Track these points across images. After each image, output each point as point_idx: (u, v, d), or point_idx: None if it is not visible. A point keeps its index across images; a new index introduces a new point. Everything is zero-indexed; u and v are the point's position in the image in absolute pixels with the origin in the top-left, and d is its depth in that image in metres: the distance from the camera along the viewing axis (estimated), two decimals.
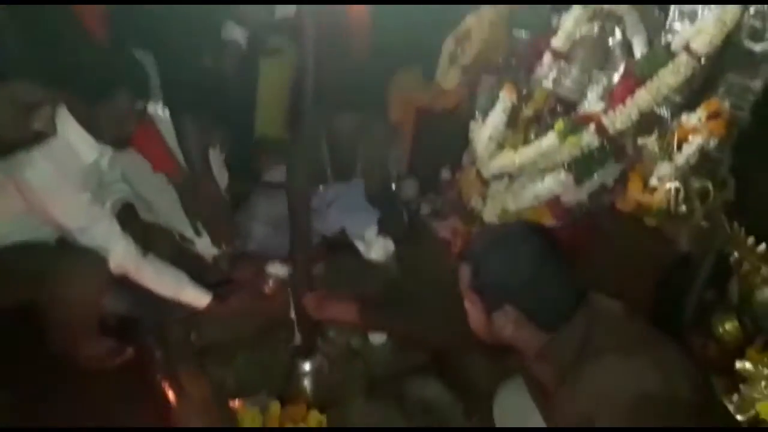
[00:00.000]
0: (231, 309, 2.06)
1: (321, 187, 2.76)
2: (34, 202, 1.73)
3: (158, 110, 2.17)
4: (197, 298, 1.96)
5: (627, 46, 1.90)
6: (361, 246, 2.34)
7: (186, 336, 2.07)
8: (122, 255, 1.84)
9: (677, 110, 1.69)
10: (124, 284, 1.97)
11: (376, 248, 2.30)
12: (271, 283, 2.14)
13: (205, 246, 2.29)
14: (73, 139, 1.73)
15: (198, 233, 2.26)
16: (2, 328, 1.85)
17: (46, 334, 1.91)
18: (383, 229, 2.39)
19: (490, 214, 2.13)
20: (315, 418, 1.80)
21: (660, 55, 1.70)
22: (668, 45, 1.71)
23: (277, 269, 2.24)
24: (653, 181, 1.65)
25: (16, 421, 1.68)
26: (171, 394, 1.78)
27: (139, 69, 1.78)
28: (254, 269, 2.17)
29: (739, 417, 1.45)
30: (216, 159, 2.32)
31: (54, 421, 1.69)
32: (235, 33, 2.39)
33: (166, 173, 2.15)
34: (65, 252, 1.85)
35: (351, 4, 2.96)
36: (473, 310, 1.22)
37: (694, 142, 1.59)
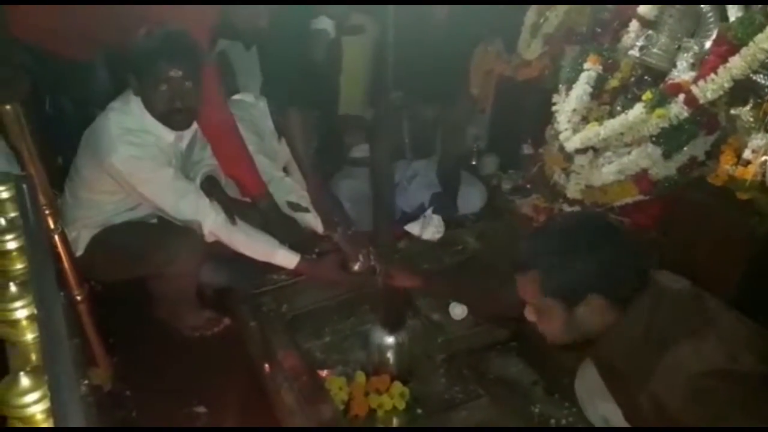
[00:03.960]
0: (318, 274, 2.15)
1: (402, 162, 2.78)
2: (124, 184, 1.87)
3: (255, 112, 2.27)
4: (288, 259, 2.04)
5: (721, 10, 1.79)
6: (414, 228, 2.37)
7: (278, 307, 2.18)
8: (212, 224, 1.94)
9: None
10: (220, 257, 2.10)
11: (430, 228, 2.34)
12: (362, 258, 2.18)
13: (315, 218, 2.33)
14: (149, 126, 1.86)
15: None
16: (117, 301, 2.04)
17: (154, 306, 2.09)
18: (436, 209, 2.43)
19: (573, 189, 2.09)
20: (398, 389, 1.87)
21: (757, 19, 1.59)
22: (766, 8, 1.60)
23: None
24: (747, 154, 1.56)
25: (123, 386, 1.84)
26: (263, 363, 1.89)
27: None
28: (357, 245, 2.19)
29: None
30: None
31: (156, 387, 1.84)
32: (324, 22, 2.46)
33: (253, 196, 2.15)
34: (164, 230, 1.99)
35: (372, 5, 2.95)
36: (549, 317, 1.24)
37: None
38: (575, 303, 1.19)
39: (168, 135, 1.92)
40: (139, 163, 1.84)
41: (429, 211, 2.44)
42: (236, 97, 2.42)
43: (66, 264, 1.62)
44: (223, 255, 2.06)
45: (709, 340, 1.08)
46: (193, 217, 1.93)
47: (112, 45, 2.02)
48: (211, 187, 2.08)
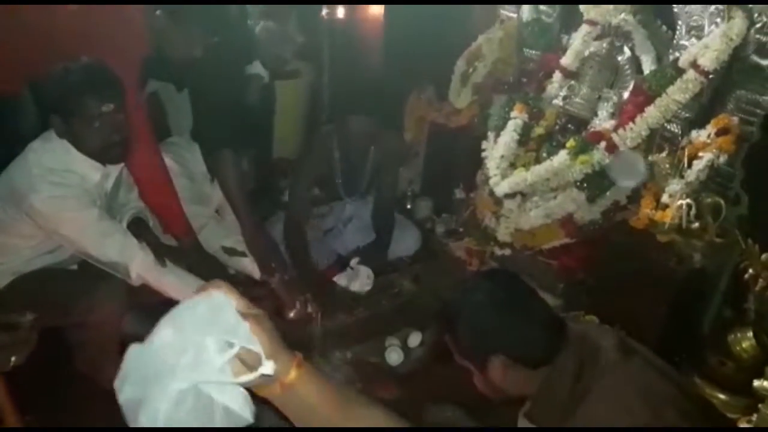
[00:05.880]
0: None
1: (334, 204, 2.77)
2: (45, 225, 1.78)
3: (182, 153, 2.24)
4: None
5: (636, 64, 1.91)
6: (342, 280, 2.36)
7: None
8: (140, 266, 1.85)
9: (687, 127, 1.70)
10: (144, 305, 2.00)
11: (358, 281, 2.33)
12: (299, 305, 2.13)
13: (251, 263, 2.25)
14: (73, 165, 1.78)
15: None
16: (33, 353, 1.90)
17: (74, 359, 1.97)
18: (362, 261, 2.41)
19: (503, 233, 2.14)
20: None
21: (668, 72, 1.71)
22: (676, 61, 1.71)
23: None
24: (665, 198, 1.64)
25: None
26: None
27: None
28: (294, 291, 2.14)
29: None
30: None
31: None
32: (258, 67, 2.47)
33: (176, 235, 2.10)
34: (85, 276, 1.89)
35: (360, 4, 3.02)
36: (474, 375, 1.24)
37: (704, 158, 1.59)
38: (484, 364, 1.19)
39: (94, 174, 1.84)
40: (61, 204, 1.75)
41: (354, 262, 2.41)
42: (170, 139, 2.37)
43: None
44: (148, 303, 1.97)
45: (633, 398, 1.09)
46: (120, 259, 1.84)
47: (36, 78, 1.94)
48: (139, 229, 2.00)
